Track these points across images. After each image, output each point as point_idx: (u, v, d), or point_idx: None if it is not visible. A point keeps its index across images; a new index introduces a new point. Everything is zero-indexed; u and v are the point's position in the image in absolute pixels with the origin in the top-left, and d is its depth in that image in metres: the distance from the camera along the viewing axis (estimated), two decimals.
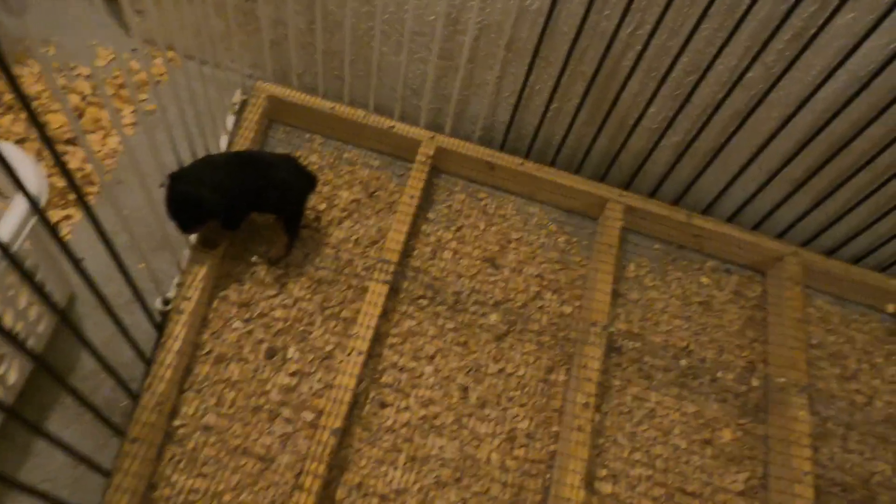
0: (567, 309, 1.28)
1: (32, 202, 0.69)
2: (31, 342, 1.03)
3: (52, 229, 0.75)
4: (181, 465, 1.01)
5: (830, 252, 1.41)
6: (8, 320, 0.96)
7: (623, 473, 1.13)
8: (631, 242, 1.41)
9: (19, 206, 0.88)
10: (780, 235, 1.42)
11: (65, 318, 0.88)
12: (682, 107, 1.24)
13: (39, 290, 0.74)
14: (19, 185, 0.65)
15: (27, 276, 0.69)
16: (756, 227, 1.42)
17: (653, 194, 1.43)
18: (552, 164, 1.41)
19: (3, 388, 0.98)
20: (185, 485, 1.00)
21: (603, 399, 1.19)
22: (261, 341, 1.14)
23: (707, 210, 1.43)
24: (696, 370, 1.26)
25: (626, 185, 1.42)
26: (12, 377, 0.99)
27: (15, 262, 0.69)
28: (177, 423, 1.04)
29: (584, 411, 1.11)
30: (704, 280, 1.38)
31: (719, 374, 1.26)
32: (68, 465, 1.02)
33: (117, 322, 0.98)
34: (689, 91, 1.21)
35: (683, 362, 1.27)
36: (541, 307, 1.28)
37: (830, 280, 1.38)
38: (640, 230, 1.42)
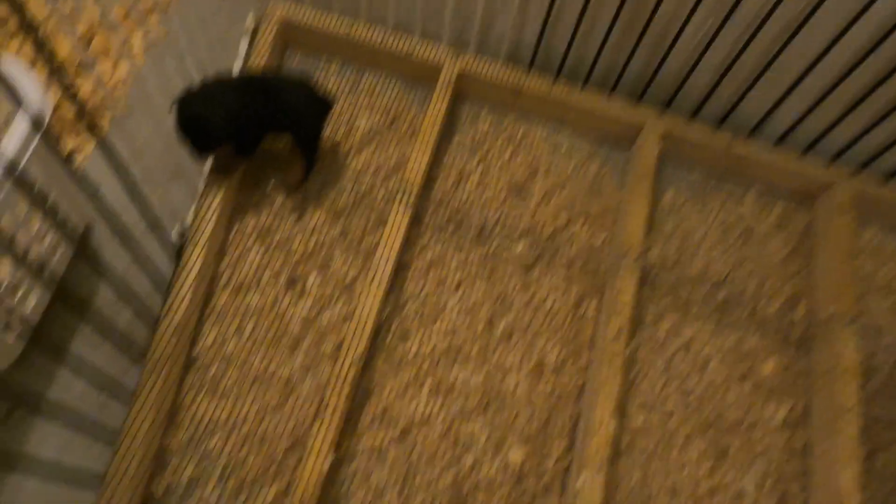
0: (598, 240, 1.22)
1: (34, 118, 0.65)
2: (48, 271, 1.01)
3: (55, 147, 0.71)
4: (202, 392, 1.00)
5: (884, 179, 1.31)
6: (31, 250, 0.93)
7: (656, 405, 1.08)
8: (667, 171, 1.33)
9: (21, 123, 0.84)
10: (830, 161, 1.32)
11: (79, 246, 0.85)
12: (726, 19, 1.14)
13: (52, 214, 0.70)
14: (16, 97, 0.60)
15: (36, 198, 0.66)
16: (804, 152, 1.32)
17: (693, 116, 1.33)
18: (584, 84, 1.32)
19: (22, 318, 0.96)
20: (206, 411, 0.99)
21: (635, 331, 1.14)
22: (280, 270, 1.11)
23: (751, 134, 1.33)
24: (736, 302, 1.20)
25: (665, 107, 1.33)
26: (31, 305, 0.98)
27: (21, 180, 0.65)
28: (197, 350, 1.02)
29: (615, 342, 1.06)
30: (746, 209, 1.30)
31: (760, 306, 1.20)
32: (91, 392, 1.02)
33: (134, 251, 0.95)
34: (734, 1, 1.10)
35: (722, 294, 1.20)
36: (570, 238, 1.22)
37: (883, 209, 1.29)
38: (678, 157, 1.33)
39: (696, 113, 1.33)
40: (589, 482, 0.94)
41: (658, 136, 1.26)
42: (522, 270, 1.17)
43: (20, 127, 0.85)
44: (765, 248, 1.26)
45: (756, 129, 1.32)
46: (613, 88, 1.33)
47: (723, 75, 1.23)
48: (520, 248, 1.19)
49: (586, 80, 1.33)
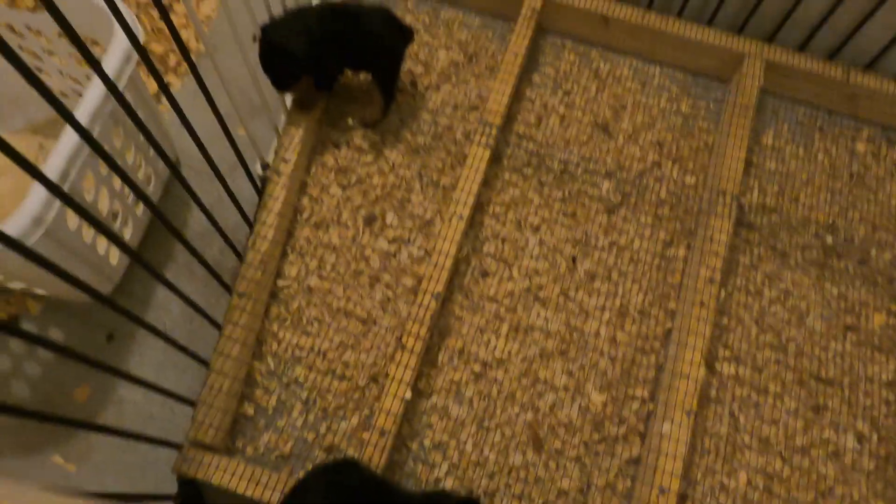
0: (690, 179, 1.14)
1: (132, 38, 0.65)
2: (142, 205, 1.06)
3: (153, 68, 0.72)
4: (287, 324, 1.02)
5: None
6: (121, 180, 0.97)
7: (748, 355, 1.02)
8: (770, 108, 1.22)
9: (118, 47, 0.86)
10: None
11: (176, 172, 0.87)
12: None
13: (145, 146, 0.71)
14: (118, 19, 0.61)
15: (131, 129, 0.67)
16: None
17: (802, 48, 1.21)
18: (679, 14, 1.22)
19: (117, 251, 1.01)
20: (290, 341, 1.01)
21: (728, 277, 1.07)
22: (359, 207, 1.11)
23: (869, 67, 1.19)
24: (842, 249, 1.10)
25: (769, 39, 1.21)
26: (128, 233, 1.03)
27: (123, 104, 0.66)
28: (281, 283, 1.05)
29: (707, 286, 1.00)
30: (859, 149, 1.18)
31: (871, 255, 1.10)
32: (184, 318, 1.07)
33: (223, 183, 0.97)
34: None
35: (828, 240, 1.10)
36: (659, 177, 1.15)
37: None
38: (783, 92, 1.22)
39: (802, 47, 1.20)
40: (674, 429, 0.91)
41: (762, 66, 1.15)
42: (607, 212, 1.12)
43: (116, 56, 0.87)
44: (879, 191, 1.15)
45: (871, 65, 1.18)
46: (711, 20, 1.22)
47: (837, 1, 1.10)
48: (604, 188, 1.13)
49: (681, 11, 1.23)
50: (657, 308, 1.05)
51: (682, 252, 1.09)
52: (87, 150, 0.82)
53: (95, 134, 0.85)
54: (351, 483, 0.77)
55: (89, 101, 0.82)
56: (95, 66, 0.60)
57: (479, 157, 1.09)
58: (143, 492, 0.94)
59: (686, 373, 0.94)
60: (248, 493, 0.86)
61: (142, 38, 0.96)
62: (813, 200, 1.14)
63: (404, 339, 0.95)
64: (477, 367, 1.00)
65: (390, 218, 1.10)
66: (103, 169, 0.91)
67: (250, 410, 0.97)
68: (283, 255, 1.07)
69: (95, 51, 1.02)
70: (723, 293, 1.05)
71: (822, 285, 1.08)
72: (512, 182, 1.13)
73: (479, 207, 1.11)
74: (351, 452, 0.92)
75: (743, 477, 0.94)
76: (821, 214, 1.13)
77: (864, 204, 1.14)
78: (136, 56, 0.91)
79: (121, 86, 0.87)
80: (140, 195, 0.76)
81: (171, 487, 0.94)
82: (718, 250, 1.02)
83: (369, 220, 1.10)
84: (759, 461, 0.96)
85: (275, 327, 1.02)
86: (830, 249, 1.10)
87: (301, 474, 0.81)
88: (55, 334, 1.03)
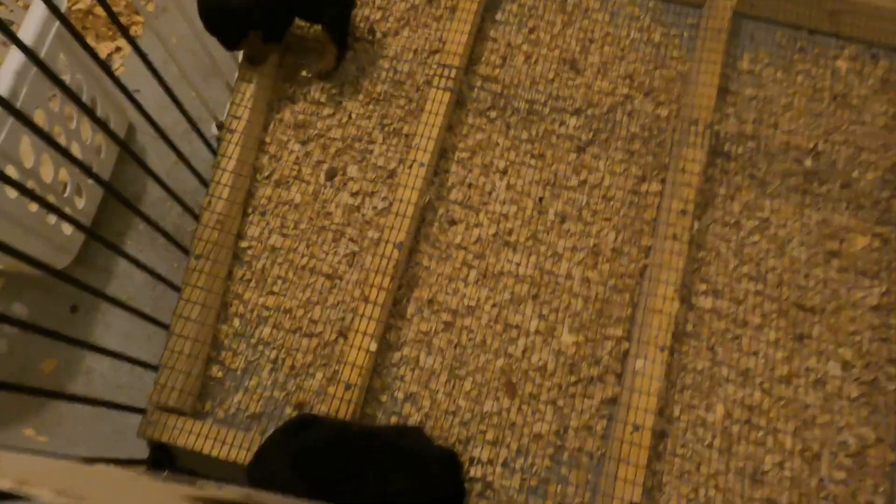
0: (663, 112, 1.09)
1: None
2: (95, 171, 1.03)
3: (75, 33, 0.68)
4: (251, 284, 1.00)
5: None
6: (74, 150, 0.94)
7: (727, 288, 0.99)
8: (747, 32, 1.16)
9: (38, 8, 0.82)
10: None
11: (123, 145, 0.84)
12: None
13: (92, 115, 0.68)
14: None
15: (77, 97, 0.63)
16: None
17: None
18: None
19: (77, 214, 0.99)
20: (256, 302, 0.99)
21: (706, 210, 1.03)
22: (320, 162, 1.07)
23: None
24: (825, 174, 1.05)
25: None
26: (81, 203, 1.00)
27: (39, 62, 0.63)
28: (243, 244, 1.02)
29: (680, 218, 0.96)
30: (841, 68, 1.12)
31: (854, 177, 1.05)
32: (147, 285, 1.05)
33: (175, 149, 0.94)
34: None
35: (808, 163, 1.06)
36: (630, 112, 1.10)
37: None
38: (760, 14, 1.15)
39: None
40: (648, 365, 0.88)
41: None
42: (576, 150, 1.07)
43: (36, 17, 0.83)
44: (862, 112, 1.09)
45: None
46: None
47: None
48: (573, 126, 1.09)
49: None
50: (631, 246, 1.01)
51: (655, 187, 1.04)
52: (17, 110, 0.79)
53: (20, 100, 0.82)
54: (310, 443, 0.75)
55: (7, 66, 0.79)
56: (6, 32, 0.57)
57: (439, 100, 1.04)
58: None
59: (659, 308, 0.91)
60: (215, 454, 0.85)
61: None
62: (793, 125, 1.09)
63: (367, 292, 0.93)
64: (447, 317, 0.98)
65: (352, 171, 1.06)
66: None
67: (219, 373, 0.95)
68: (245, 215, 1.04)
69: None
70: (698, 225, 1.01)
71: (802, 212, 1.03)
72: (477, 126, 1.09)
73: (443, 155, 1.07)
74: (321, 409, 0.90)
75: (721, 410, 0.92)
76: (802, 139, 1.08)
77: (848, 125, 1.08)
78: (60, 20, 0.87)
79: (43, 51, 0.83)
80: (84, 169, 0.73)
81: (145, 454, 0.93)
82: (691, 181, 0.98)
83: (331, 175, 1.06)
84: (739, 394, 0.93)
85: (239, 289, 1.00)
86: (812, 175, 1.06)
87: (259, 444, 0.79)
88: (18, 309, 1.02)
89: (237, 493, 0.40)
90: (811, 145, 1.07)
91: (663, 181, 1.05)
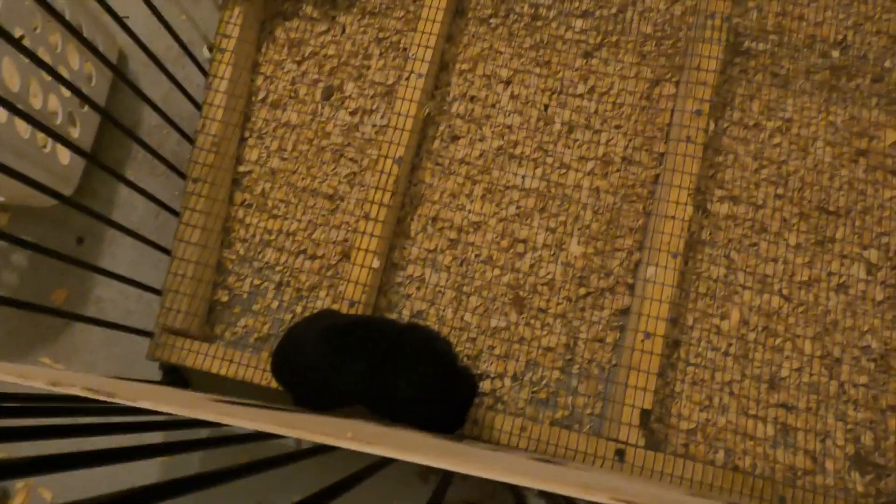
0: (677, 9, 1.02)
1: None
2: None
3: None
4: (252, 208, 0.99)
5: None
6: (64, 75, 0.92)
7: (745, 194, 0.94)
8: None
9: None
10: None
11: (114, 68, 0.81)
12: None
13: (79, 37, 0.65)
14: None
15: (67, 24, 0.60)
16: None
17: None
18: None
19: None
20: (258, 225, 0.98)
21: (723, 112, 0.97)
22: (316, 81, 1.03)
23: None
24: (853, 68, 0.98)
25: None
26: (76, 132, 0.98)
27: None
28: (242, 168, 1.00)
29: (694, 119, 0.90)
30: None
31: (886, 68, 0.97)
32: (149, 214, 1.04)
33: (168, 74, 0.91)
34: None
35: (836, 57, 0.98)
36: (642, 11, 1.03)
37: None
38: None
39: None
40: (660, 272, 0.85)
41: None
42: (584, 55, 1.01)
43: None
44: None
45: None
46: None
47: None
48: (580, 29, 1.02)
49: None
50: (643, 153, 0.96)
51: (669, 91, 0.98)
52: None
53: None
54: (340, 322, 0.75)
55: None
56: None
57: (436, 7, 0.98)
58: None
59: (672, 214, 0.87)
60: (224, 373, 0.86)
61: None
62: (820, 17, 1.00)
63: (367, 208, 0.90)
64: (452, 234, 0.95)
65: (350, 88, 1.02)
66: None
67: (225, 297, 0.95)
68: (242, 139, 1.02)
69: None
70: (714, 127, 0.95)
71: (829, 109, 0.97)
72: (478, 35, 1.03)
73: (443, 67, 1.02)
74: None
75: (737, 316, 0.89)
76: (829, 31, 0.99)
77: (881, 14, 1.00)
78: None
79: None
80: (75, 90, 0.70)
81: (158, 379, 0.94)
82: (707, 79, 0.92)
83: (328, 94, 1.03)
84: (756, 301, 0.90)
85: (241, 213, 0.99)
86: (840, 69, 0.98)
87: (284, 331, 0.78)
88: None
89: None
90: (839, 37, 0.99)
91: (678, 84, 0.99)
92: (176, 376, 0.93)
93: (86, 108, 1.01)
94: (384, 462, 0.62)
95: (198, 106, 0.99)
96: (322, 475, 0.53)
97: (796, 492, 0.78)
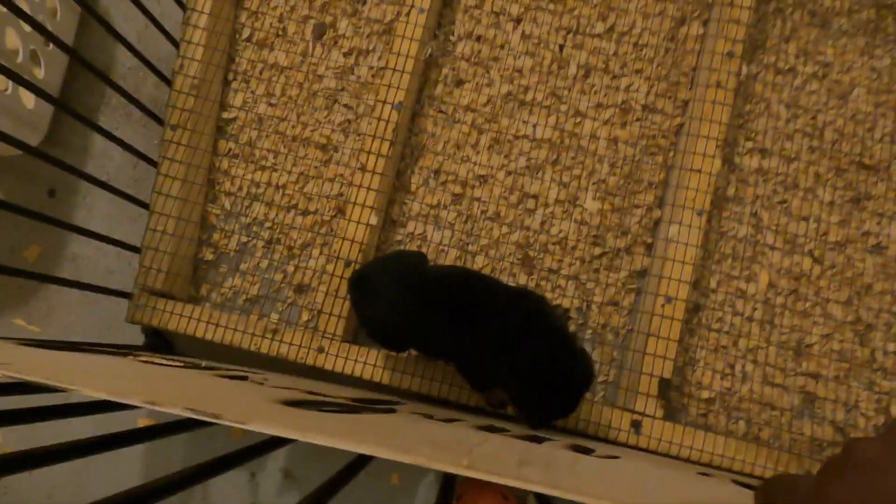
0: None
1: None
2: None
3: None
4: (238, 159, 0.90)
5: None
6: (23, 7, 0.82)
7: (776, 146, 0.86)
8: None
9: None
10: None
11: (83, 3, 0.72)
12: None
13: None
14: None
15: None
16: None
17: None
18: None
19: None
20: (245, 177, 0.90)
21: (753, 55, 0.88)
22: (306, 17, 0.93)
23: None
24: None
25: None
26: (41, 72, 0.89)
27: None
28: (227, 115, 0.91)
29: (725, 62, 0.82)
30: None
31: None
32: (126, 165, 0.96)
33: (143, 8, 0.81)
34: None
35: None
36: None
37: None
38: None
39: None
40: (683, 231, 0.78)
41: None
42: None
43: None
44: None
45: None
46: None
47: None
48: None
49: None
50: (666, 100, 0.88)
51: (696, 30, 0.89)
52: None
53: None
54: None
55: None
56: None
57: None
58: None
59: (698, 167, 0.80)
60: (209, 337, 0.80)
61: None
62: None
63: (363, 159, 0.82)
64: (456, 188, 0.88)
65: (343, 26, 0.93)
66: None
67: (210, 255, 0.88)
68: (226, 82, 0.93)
69: None
70: (747, 73, 0.87)
71: (872, 53, 0.88)
72: None
73: (447, 3, 0.92)
74: (321, 289, 0.83)
75: (764, 279, 0.82)
76: None
77: None
78: None
79: None
80: (35, 25, 0.61)
81: (140, 342, 0.88)
82: (740, 17, 0.83)
83: (319, 32, 0.93)
84: (785, 262, 0.83)
85: (225, 164, 0.90)
86: (886, 9, 0.89)
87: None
88: None
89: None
90: None
91: (706, 23, 0.89)
92: (159, 340, 0.87)
93: (51, 46, 0.91)
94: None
95: (176, 45, 0.90)
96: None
97: None
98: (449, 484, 0.62)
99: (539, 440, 0.55)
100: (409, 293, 0.65)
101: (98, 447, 0.42)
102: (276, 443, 0.52)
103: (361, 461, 0.48)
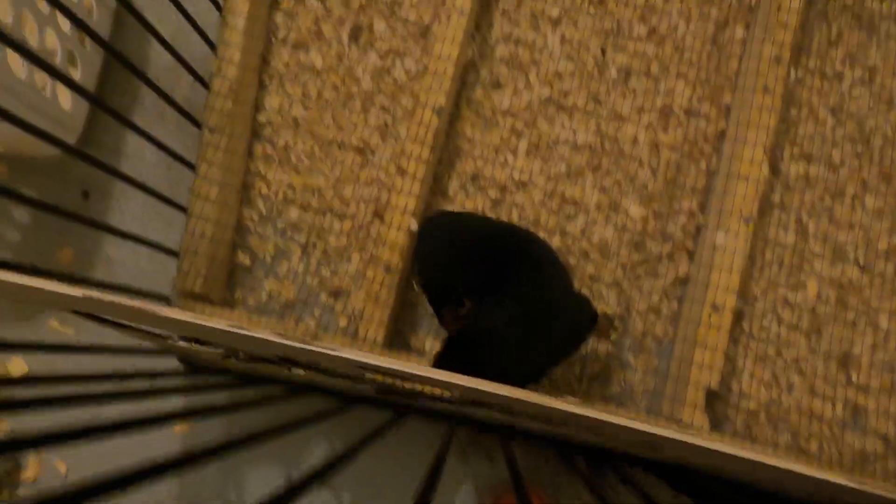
0: None
1: None
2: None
3: None
4: (274, 162, 0.90)
5: None
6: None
7: (822, 151, 0.85)
8: None
9: None
10: None
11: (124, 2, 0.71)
12: None
13: None
14: None
15: None
16: None
17: None
18: None
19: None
20: (281, 181, 0.89)
21: (797, 59, 0.87)
22: (341, 19, 0.92)
23: None
24: None
25: None
26: (77, 73, 0.89)
27: None
28: (262, 118, 0.90)
29: (773, 67, 0.80)
30: None
31: None
32: (161, 166, 0.95)
33: (180, 7, 0.80)
34: None
35: None
36: None
37: None
38: None
39: None
40: (730, 239, 0.77)
41: None
42: None
43: None
44: None
45: None
46: None
47: None
48: None
49: None
50: (709, 104, 0.87)
51: (740, 33, 0.88)
52: None
53: None
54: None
55: None
56: None
57: None
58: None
59: (745, 174, 0.78)
60: None
61: None
62: None
63: (403, 164, 0.81)
64: (494, 193, 0.87)
65: (380, 27, 0.92)
66: None
67: (246, 260, 0.87)
68: (262, 85, 0.92)
69: None
70: (792, 76, 0.85)
71: None
72: None
73: (485, 5, 0.91)
74: (359, 295, 0.82)
75: (811, 288, 0.81)
76: None
77: None
78: None
79: None
80: (78, 22, 0.61)
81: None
82: (789, 21, 0.81)
83: (355, 34, 0.92)
84: (830, 271, 0.82)
85: (261, 168, 0.90)
86: None
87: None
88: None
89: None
90: None
91: (747, 27, 0.88)
92: (195, 343, 0.86)
93: (88, 46, 0.90)
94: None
95: (211, 45, 0.89)
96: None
97: (874, 481, 0.72)
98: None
99: None
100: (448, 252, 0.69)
101: (176, 466, 0.41)
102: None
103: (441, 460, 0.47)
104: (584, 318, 0.67)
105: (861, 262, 0.82)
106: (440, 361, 0.66)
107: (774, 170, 0.84)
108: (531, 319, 0.63)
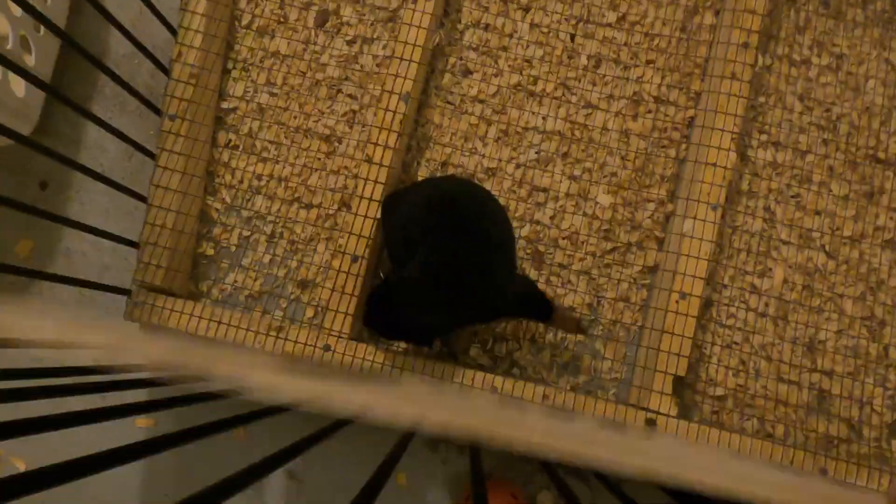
0: None
1: None
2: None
3: None
4: (239, 151, 0.88)
5: None
6: None
7: (789, 138, 0.85)
8: None
9: None
10: None
11: None
12: None
13: None
14: None
15: None
16: None
17: None
18: None
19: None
20: (246, 170, 0.87)
21: (766, 46, 0.87)
22: (308, 5, 0.90)
23: None
24: None
25: None
26: (31, 60, 0.86)
27: None
28: (226, 105, 0.88)
29: (741, 53, 0.80)
30: None
31: None
32: (121, 156, 0.93)
33: None
34: None
35: None
36: None
37: None
38: None
39: None
40: (698, 227, 0.77)
41: None
42: None
43: None
44: None
45: None
46: None
47: None
48: None
49: None
50: (678, 92, 0.86)
51: (709, 20, 0.87)
52: None
53: None
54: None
55: None
56: None
57: None
58: None
59: (713, 161, 0.78)
60: (212, 335, 0.77)
61: None
62: None
63: (370, 151, 0.80)
64: None
65: (347, 13, 0.90)
66: None
67: (210, 250, 0.85)
68: (225, 71, 0.89)
69: None
70: (760, 62, 0.85)
71: (886, 45, 0.87)
72: None
73: None
74: (326, 285, 0.81)
75: (780, 275, 0.81)
76: None
77: None
78: None
79: None
80: (31, 11, 0.58)
81: None
82: (756, 7, 0.81)
83: (322, 19, 0.90)
84: (798, 258, 0.82)
85: (225, 156, 0.88)
86: None
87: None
88: None
89: None
90: None
91: (718, 13, 0.87)
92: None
93: (42, 31, 0.87)
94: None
95: (173, 31, 0.86)
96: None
97: (839, 464, 0.73)
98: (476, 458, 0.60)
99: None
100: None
101: (134, 453, 0.40)
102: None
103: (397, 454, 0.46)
104: (506, 291, 0.66)
105: (827, 249, 0.82)
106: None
107: (743, 157, 0.84)
108: (446, 275, 0.63)
